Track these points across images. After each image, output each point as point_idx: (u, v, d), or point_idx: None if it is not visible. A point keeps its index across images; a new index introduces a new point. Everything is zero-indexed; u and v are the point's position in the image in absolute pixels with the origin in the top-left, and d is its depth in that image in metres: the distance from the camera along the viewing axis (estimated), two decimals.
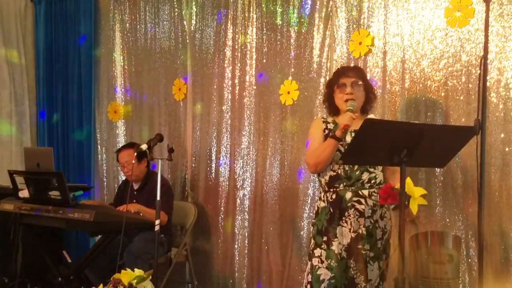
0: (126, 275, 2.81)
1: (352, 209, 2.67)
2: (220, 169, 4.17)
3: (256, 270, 3.95)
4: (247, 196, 4.02)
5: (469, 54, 3.10)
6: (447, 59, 3.17)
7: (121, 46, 4.76)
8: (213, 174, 4.21)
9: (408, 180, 2.30)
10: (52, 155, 3.62)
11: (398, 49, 3.34)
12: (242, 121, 4.05)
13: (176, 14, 4.43)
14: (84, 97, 4.93)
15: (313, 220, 2.86)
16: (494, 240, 2.96)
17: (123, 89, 4.78)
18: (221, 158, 4.16)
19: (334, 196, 2.73)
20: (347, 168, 2.71)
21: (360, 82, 2.76)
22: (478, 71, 2.69)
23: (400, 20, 3.33)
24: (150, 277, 2.86)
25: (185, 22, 4.38)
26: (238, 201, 4.05)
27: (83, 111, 4.94)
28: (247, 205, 4.02)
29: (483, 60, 2.39)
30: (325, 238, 2.73)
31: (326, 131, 2.81)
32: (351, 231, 2.67)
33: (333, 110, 2.87)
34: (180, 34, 4.41)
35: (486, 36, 2.41)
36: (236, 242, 4.04)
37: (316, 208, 2.86)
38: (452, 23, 3.13)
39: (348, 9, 3.54)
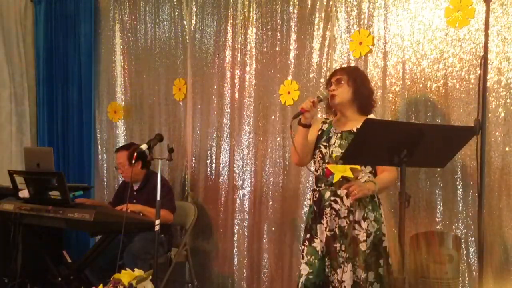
0: (126, 275, 2.81)
1: (329, 208, 2.68)
2: (220, 169, 4.17)
3: (256, 270, 3.95)
4: (247, 196, 4.02)
5: (469, 54, 3.10)
6: (447, 59, 3.17)
7: (121, 46, 4.76)
8: (213, 174, 4.21)
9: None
10: (52, 155, 3.61)
11: (398, 49, 3.34)
12: (242, 121, 4.05)
13: (176, 14, 4.43)
14: (84, 97, 4.94)
15: None
16: (494, 240, 2.96)
17: (123, 89, 4.78)
18: (221, 158, 4.16)
19: (317, 195, 2.75)
20: (324, 177, 2.71)
21: (343, 78, 2.74)
22: (478, 71, 2.69)
23: (400, 20, 3.33)
24: (150, 277, 2.86)
25: (185, 22, 4.38)
26: (238, 201, 4.05)
27: (83, 111, 4.94)
28: (247, 205, 4.02)
29: (483, 60, 2.39)
30: (308, 235, 2.77)
31: (320, 132, 2.83)
32: (327, 229, 2.68)
33: (330, 109, 2.89)
34: (180, 34, 4.41)
35: (486, 36, 2.41)
36: (236, 242, 4.04)
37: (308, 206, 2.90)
38: (452, 23, 3.13)
39: (348, 9, 3.54)
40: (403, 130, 2.25)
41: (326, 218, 2.69)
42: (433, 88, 3.22)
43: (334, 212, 2.67)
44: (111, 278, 2.85)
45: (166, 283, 3.72)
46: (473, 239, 3.04)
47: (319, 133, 2.83)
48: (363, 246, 2.62)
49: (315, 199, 2.77)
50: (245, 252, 4.00)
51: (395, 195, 3.23)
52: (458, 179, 3.11)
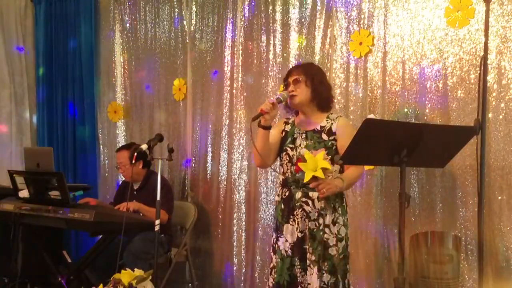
0: (126, 275, 2.82)
1: (300, 209, 2.64)
2: (219, 169, 4.17)
3: (256, 270, 3.95)
4: (246, 196, 4.01)
5: (469, 54, 3.10)
6: (447, 59, 3.17)
7: (121, 46, 4.76)
8: (213, 174, 4.21)
9: (320, 155, 2.45)
10: (52, 155, 3.62)
11: (398, 49, 3.35)
12: (241, 121, 4.04)
13: (176, 14, 4.43)
14: (84, 97, 4.94)
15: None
16: (494, 240, 2.96)
17: (123, 89, 4.78)
18: (221, 158, 4.16)
19: (287, 193, 2.71)
20: (294, 172, 2.65)
21: (300, 78, 2.68)
22: (478, 71, 2.69)
23: (400, 20, 3.33)
24: (150, 277, 2.87)
25: (185, 22, 4.38)
26: (238, 201, 4.05)
27: (84, 111, 4.94)
28: (246, 205, 4.01)
29: (483, 60, 2.39)
30: (278, 234, 2.74)
31: (283, 133, 2.77)
32: (298, 230, 2.65)
33: (290, 109, 2.82)
34: (180, 34, 4.41)
35: (486, 36, 2.41)
36: (236, 242, 4.04)
37: (275, 202, 2.84)
38: (452, 23, 3.13)
39: (348, 9, 3.54)
40: (403, 130, 2.25)
41: (297, 219, 2.65)
42: (433, 88, 3.22)
43: (304, 214, 2.64)
44: (111, 278, 2.86)
45: (166, 283, 3.72)
46: (473, 239, 3.04)
47: (283, 134, 2.77)
48: (332, 251, 2.61)
49: (284, 196, 2.72)
50: (245, 252, 4.00)
51: (395, 195, 3.23)
52: (458, 179, 3.11)
